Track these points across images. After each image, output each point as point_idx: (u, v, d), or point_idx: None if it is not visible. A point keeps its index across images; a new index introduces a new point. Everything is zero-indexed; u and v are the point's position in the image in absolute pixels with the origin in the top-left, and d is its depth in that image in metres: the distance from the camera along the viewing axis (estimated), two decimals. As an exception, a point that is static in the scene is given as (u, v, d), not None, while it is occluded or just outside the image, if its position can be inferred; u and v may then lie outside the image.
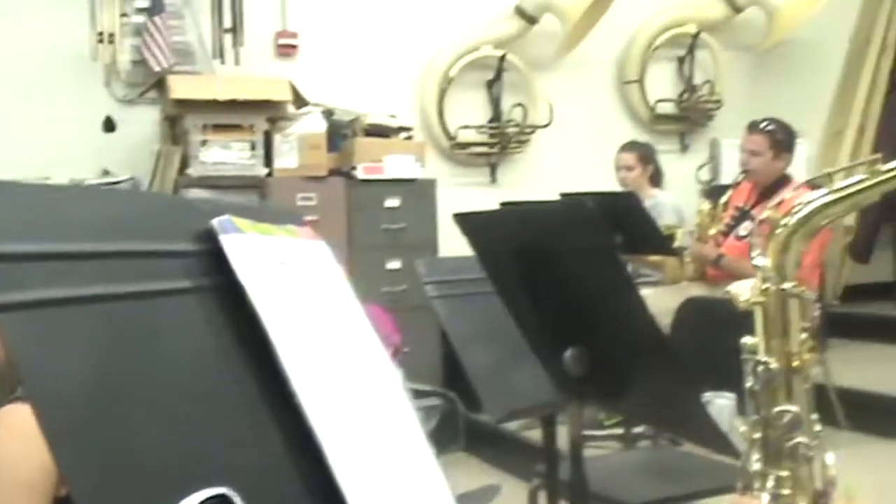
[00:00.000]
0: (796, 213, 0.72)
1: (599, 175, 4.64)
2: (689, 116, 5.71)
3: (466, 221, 1.51)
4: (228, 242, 0.81)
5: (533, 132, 5.34)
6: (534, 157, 5.43)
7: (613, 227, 3.65)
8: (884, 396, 4.04)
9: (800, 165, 4.93)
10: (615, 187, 4.55)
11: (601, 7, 5.12)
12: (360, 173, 4.53)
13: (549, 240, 1.33)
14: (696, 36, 5.63)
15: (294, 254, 0.91)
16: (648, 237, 3.71)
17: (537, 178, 5.29)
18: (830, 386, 3.90)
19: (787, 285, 0.73)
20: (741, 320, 0.76)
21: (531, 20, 5.22)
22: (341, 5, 5.01)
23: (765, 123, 4.02)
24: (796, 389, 0.73)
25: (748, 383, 0.75)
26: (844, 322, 5.15)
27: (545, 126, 5.30)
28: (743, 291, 3.09)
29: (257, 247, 0.85)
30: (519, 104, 5.30)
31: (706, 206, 4.21)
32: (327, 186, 4.47)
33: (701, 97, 5.69)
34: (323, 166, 4.47)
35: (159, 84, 4.44)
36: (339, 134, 4.66)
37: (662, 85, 5.71)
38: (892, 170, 0.71)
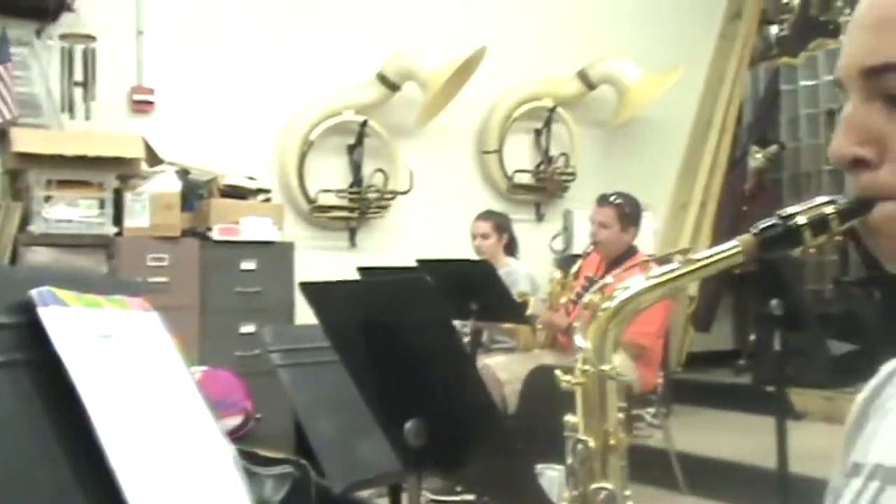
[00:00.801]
0: (615, 298, 0.75)
1: (457, 242, 4.72)
2: (545, 187, 5.90)
3: (311, 291, 1.50)
4: (47, 315, 0.78)
5: (393, 198, 5.39)
6: (393, 222, 5.47)
7: (467, 294, 3.73)
8: (723, 461, 4.21)
9: (647, 237, 5.17)
10: (473, 255, 4.64)
11: (462, 77, 5.26)
12: (215, 234, 4.44)
13: (388, 312, 1.34)
14: (552, 110, 5.85)
15: (120, 327, 0.88)
16: (502, 305, 3.78)
17: (396, 243, 5.33)
18: (672, 451, 4.03)
19: (605, 367, 0.75)
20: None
21: (393, 87, 5.31)
22: (200, 62, 4.96)
23: (613, 197, 4.19)
24: (612, 467, 0.76)
25: (568, 460, 0.77)
26: (687, 389, 5.37)
27: (405, 192, 5.37)
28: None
29: (79, 320, 0.82)
30: (380, 169, 5.35)
31: (558, 275, 4.33)
32: (180, 247, 4.36)
33: (556, 169, 5.89)
34: (176, 226, 4.36)
35: (1, 136, 4.25)
36: (194, 194, 4.57)
37: (520, 156, 5.89)
38: (702, 260, 0.75)
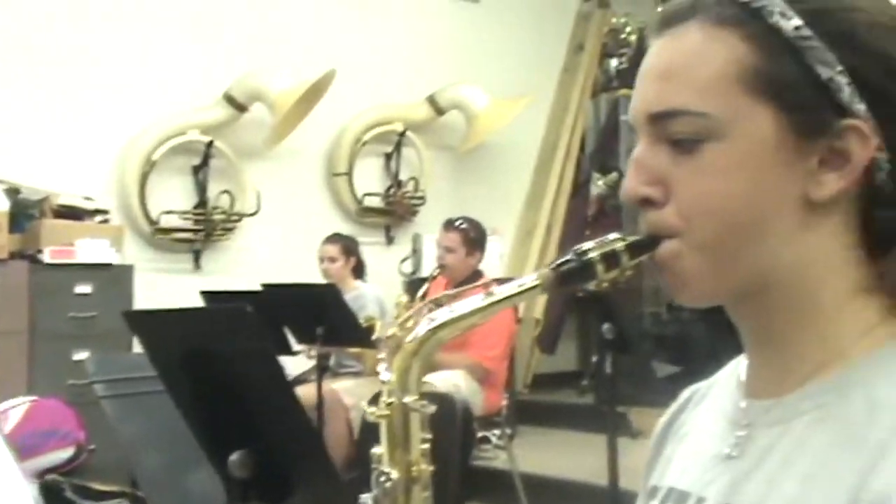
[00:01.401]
0: (418, 333, 0.76)
1: (306, 265, 4.67)
2: (395, 211, 5.93)
3: (134, 320, 1.45)
4: None
5: (240, 220, 5.29)
6: (240, 245, 5.36)
7: (313, 318, 3.70)
8: (563, 480, 4.31)
9: (494, 261, 5.28)
10: (321, 278, 4.61)
11: (311, 99, 5.23)
12: (46, 257, 4.24)
13: (210, 342, 1.31)
14: (402, 134, 5.89)
15: None
16: (347, 329, 3.76)
17: (242, 266, 5.23)
18: (516, 472, 4.11)
19: (408, 399, 0.76)
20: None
21: (241, 108, 5.23)
22: (32, 74, 4.73)
23: (459, 222, 4.25)
24: (415, 498, 0.76)
25: (373, 492, 0.77)
26: (533, 410, 5.49)
27: (252, 214, 5.28)
28: (438, 382, 3.20)
29: None
30: (226, 191, 5.24)
31: (404, 299, 4.35)
32: (8, 270, 4.13)
33: (406, 193, 5.94)
34: (4, 248, 4.13)
35: None
36: (24, 214, 4.34)
37: (370, 179, 5.90)
38: (502, 294, 0.77)
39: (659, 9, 0.79)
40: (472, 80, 6.00)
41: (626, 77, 6.47)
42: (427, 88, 5.94)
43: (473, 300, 0.78)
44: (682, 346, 4.65)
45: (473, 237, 4.23)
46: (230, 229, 5.29)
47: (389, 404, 0.77)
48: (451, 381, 4.00)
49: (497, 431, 4.24)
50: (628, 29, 6.59)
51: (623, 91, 6.41)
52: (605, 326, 2.63)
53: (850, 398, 0.68)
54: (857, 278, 0.72)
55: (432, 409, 0.76)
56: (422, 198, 5.97)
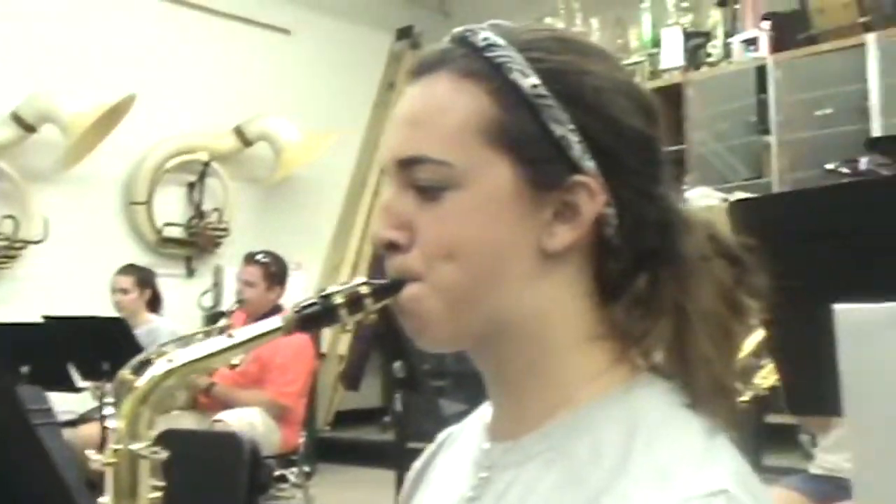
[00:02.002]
0: (151, 374, 0.72)
1: (98, 297, 4.43)
2: (197, 242, 5.75)
3: None
4: None
5: (24, 247, 4.96)
6: (24, 273, 5.02)
7: (99, 353, 3.50)
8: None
9: (298, 296, 5.19)
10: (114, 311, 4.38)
11: (108, 123, 5.01)
12: None
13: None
14: (206, 164, 5.74)
15: None
16: (135, 365, 3.58)
17: (26, 296, 4.89)
18: (311, 512, 4.04)
19: (137, 446, 0.72)
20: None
21: (29, 128, 4.92)
22: None
23: (260, 255, 4.17)
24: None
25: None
26: (334, 447, 5.43)
27: (38, 242, 4.96)
28: (232, 420, 3.07)
29: None
30: (10, 216, 4.90)
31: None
32: None
33: (209, 224, 5.77)
34: None
35: None
36: None
37: (171, 209, 5.70)
38: (243, 337, 0.75)
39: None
40: (281, 113, 5.93)
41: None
42: (234, 119, 5.83)
43: (214, 342, 0.75)
44: (468, 383, 4.73)
45: (274, 271, 4.15)
46: (13, 257, 4.95)
47: (116, 451, 0.72)
48: (247, 419, 3.89)
49: (295, 470, 4.15)
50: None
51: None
52: (397, 364, 2.64)
53: (577, 441, 0.71)
54: (589, 326, 0.75)
55: (164, 455, 0.72)
56: (225, 229, 5.82)
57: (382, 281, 0.76)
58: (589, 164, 0.72)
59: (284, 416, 4.03)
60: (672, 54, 5.47)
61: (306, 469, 4.28)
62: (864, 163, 2.83)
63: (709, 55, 5.39)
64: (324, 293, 0.76)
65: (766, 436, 2.54)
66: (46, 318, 3.58)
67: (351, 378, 6.02)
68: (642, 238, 0.73)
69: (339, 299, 0.75)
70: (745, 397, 1.78)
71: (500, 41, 0.74)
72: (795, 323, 1.10)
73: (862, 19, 4.69)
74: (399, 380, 2.64)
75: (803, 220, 1.13)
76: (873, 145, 3.20)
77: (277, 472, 4.06)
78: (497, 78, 0.73)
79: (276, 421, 4.01)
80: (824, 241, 1.10)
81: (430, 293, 0.74)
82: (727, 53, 5.30)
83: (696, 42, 5.45)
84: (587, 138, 0.72)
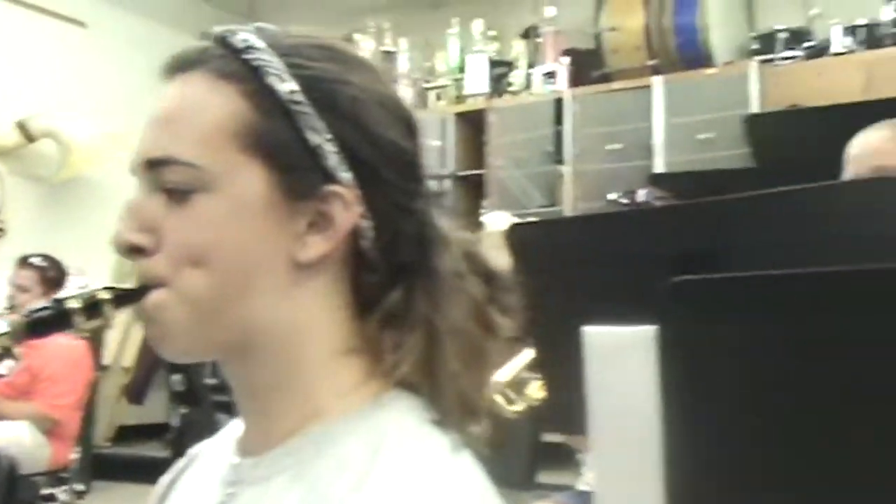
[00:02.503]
0: None
1: None
2: (-32, 241, 5.32)
3: None
4: None
5: None
6: None
7: None
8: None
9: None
10: None
11: None
12: None
13: None
14: (-16, 158, 5.34)
15: None
16: None
17: None
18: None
19: None
20: None
21: None
22: None
23: (36, 259, 3.92)
24: None
25: None
26: (114, 463, 5.15)
27: None
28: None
29: None
30: None
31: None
32: None
33: (-16, 222, 5.36)
34: None
35: None
36: None
37: (-59, 204, 5.25)
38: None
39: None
40: (72, 110, 5.60)
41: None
42: (18, 112, 5.45)
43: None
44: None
45: (51, 276, 3.91)
46: None
47: None
48: (13, 433, 3.63)
49: (65, 487, 3.90)
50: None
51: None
52: (175, 377, 2.54)
53: (322, 457, 0.69)
54: (343, 339, 0.74)
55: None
56: (1, 230, 5.41)
57: (125, 286, 0.72)
58: (345, 174, 0.71)
59: (55, 431, 3.79)
60: (477, 80, 5.62)
61: (79, 487, 4.04)
62: (641, 195, 3.00)
63: (511, 84, 5.57)
64: (60, 297, 0.72)
65: (544, 453, 2.63)
66: None
67: (135, 391, 5.75)
68: (398, 252, 0.73)
69: (74, 304, 0.71)
70: (519, 408, 1.83)
71: (260, 44, 0.72)
72: (554, 343, 1.13)
73: (650, 62, 5.00)
74: (178, 393, 2.54)
75: (565, 245, 1.18)
76: (654, 181, 3.41)
77: (45, 491, 3.81)
78: (253, 81, 0.71)
79: (45, 435, 3.76)
80: (582, 265, 1.15)
81: (174, 300, 0.71)
82: (528, 84, 5.51)
83: (499, 71, 5.63)
84: (344, 148, 0.71)
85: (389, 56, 5.96)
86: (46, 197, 5.72)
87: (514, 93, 5.56)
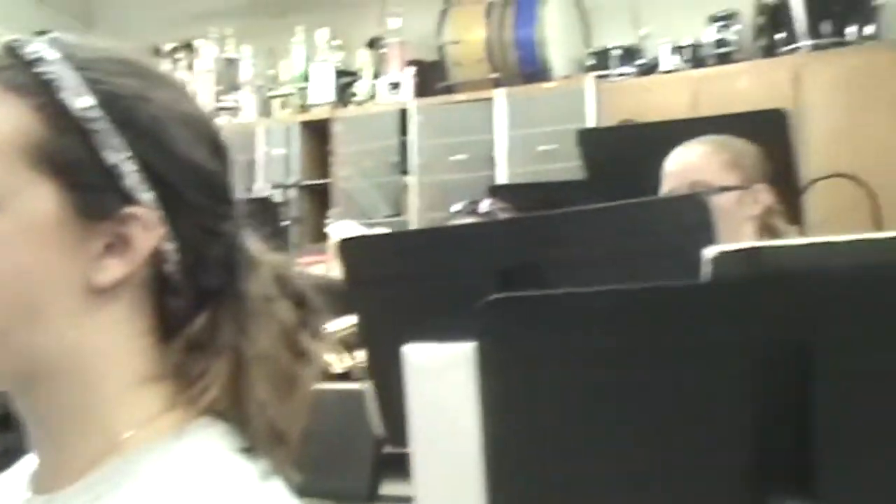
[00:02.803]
0: None
1: None
2: None
3: None
4: None
5: None
6: None
7: None
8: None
9: None
10: None
11: None
12: None
13: None
14: None
15: None
16: None
17: None
18: None
19: None
20: None
21: None
22: None
23: None
24: None
25: None
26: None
27: None
28: None
29: None
30: None
31: None
32: None
33: None
34: None
35: None
36: None
37: None
38: None
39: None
40: None
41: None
42: None
43: None
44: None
45: None
46: None
47: None
48: None
49: None
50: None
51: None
52: (-7, 401, 2.38)
53: (122, 491, 0.66)
54: (145, 367, 0.71)
55: None
56: None
57: None
58: (145, 195, 0.68)
59: None
60: (322, 90, 5.58)
61: None
62: (484, 206, 3.04)
63: (355, 94, 5.57)
64: None
65: (387, 464, 2.62)
66: None
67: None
68: (204, 275, 0.71)
69: None
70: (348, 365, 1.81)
71: (53, 56, 0.68)
72: (383, 357, 1.13)
73: (492, 75, 5.11)
74: (-4, 418, 2.38)
75: (394, 260, 1.18)
76: (494, 192, 3.48)
77: None
78: (45, 95, 0.67)
79: None
80: (411, 281, 1.15)
81: (-44, 327, 0.66)
82: (374, 94, 5.51)
83: (345, 80, 5.61)
84: (145, 168, 0.68)
85: (232, 63, 5.84)
86: None
87: (359, 103, 5.55)
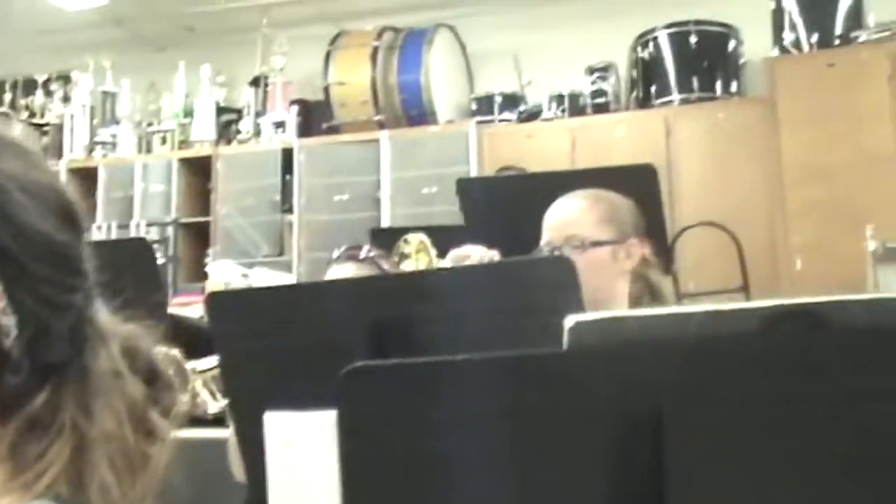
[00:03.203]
0: None
1: None
2: None
3: None
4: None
5: None
6: None
7: None
8: None
9: None
10: None
11: None
12: None
13: None
14: None
15: None
16: None
17: None
18: None
19: None
20: None
21: None
22: None
23: None
24: None
25: None
26: None
27: None
28: None
29: None
30: None
31: None
32: None
33: None
34: None
35: None
36: None
37: None
38: None
39: None
40: None
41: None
42: None
43: None
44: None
45: None
46: None
47: None
48: None
49: None
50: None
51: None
52: None
53: None
54: None
55: None
56: None
57: None
58: None
59: None
60: (204, 126, 5.49)
61: None
62: (363, 251, 3.01)
63: (239, 132, 5.49)
64: None
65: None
66: None
67: None
68: (47, 350, 0.68)
69: None
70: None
71: None
72: (243, 415, 1.11)
73: (377, 117, 5.13)
74: None
75: (258, 316, 1.16)
76: (375, 235, 3.46)
77: None
78: None
79: None
80: (275, 336, 1.13)
81: None
82: (257, 132, 5.45)
83: (228, 117, 5.53)
84: None
85: (110, 96, 5.69)
86: None
87: (242, 140, 5.48)
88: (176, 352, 0.79)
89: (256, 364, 1.18)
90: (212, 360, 1.74)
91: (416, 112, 5.10)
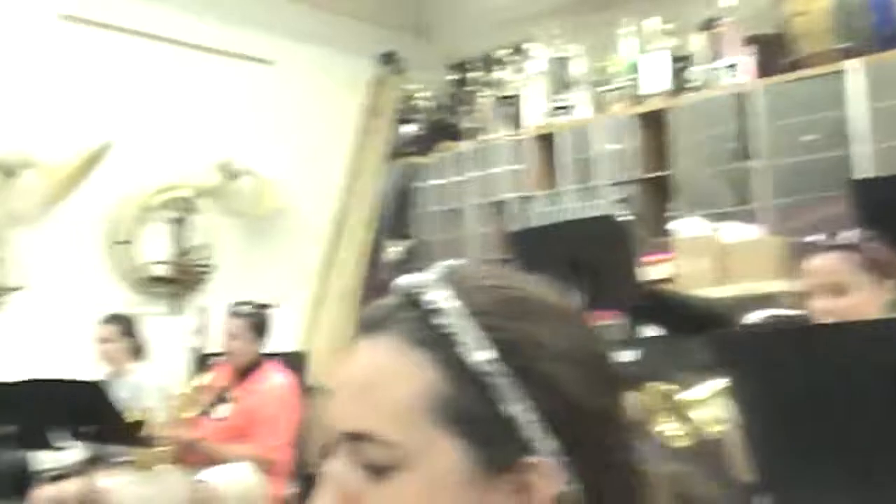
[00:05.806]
0: None
1: (84, 343, 4.39)
2: (183, 280, 5.68)
3: None
4: None
5: (5, 294, 4.89)
6: (6, 322, 4.91)
7: (76, 417, 3.44)
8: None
9: (287, 331, 5.12)
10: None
11: (89, 164, 4.94)
12: None
13: None
14: (190, 200, 5.67)
15: None
16: (113, 429, 3.53)
17: (10, 346, 4.80)
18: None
19: None
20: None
21: (9, 173, 4.87)
22: None
23: (245, 307, 4.14)
24: None
25: None
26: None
27: (18, 289, 4.88)
28: (217, 478, 3.04)
29: None
30: (-10, 264, 4.84)
31: (187, 389, 4.16)
32: None
33: (194, 260, 5.71)
34: None
35: None
36: None
37: (156, 247, 5.62)
38: None
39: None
40: (265, 144, 5.89)
41: (420, 142, 6.55)
42: (218, 153, 5.77)
43: None
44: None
45: (258, 323, 4.13)
46: (-6, 306, 4.87)
47: None
48: (238, 474, 3.83)
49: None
50: (420, 95, 6.69)
51: (415, 158, 6.49)
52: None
53: None
54: None
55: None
56: (210, 266, 5.75)
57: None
58: (544, 444, 0.68)
59: (272, 469, 3.98)
60: (654, 79, 5.44)
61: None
62: (845, 236, 2.59)
63: (689, 81, 5.36)
64: None
65: None
66: (19, 382, 3.54)
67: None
68: None
69: None
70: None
71: (449, 305, 0.70)
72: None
73: (842, 45, 4.68)
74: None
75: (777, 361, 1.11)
76: (852, 190, 3.10)
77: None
78: (445, 349, 0.69)
79: (266, 475, 3.95)
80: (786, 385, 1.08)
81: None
82: (709, 78, 5.27)
83: (678, 66, 5.43)
84: (542, 416, 0.68)
85: (562, 62, 5.86)
86: (248, 232, 6.01)
87: (694, 89, 5.34)
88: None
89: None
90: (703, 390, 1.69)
91: (891, 33, 4.55)
